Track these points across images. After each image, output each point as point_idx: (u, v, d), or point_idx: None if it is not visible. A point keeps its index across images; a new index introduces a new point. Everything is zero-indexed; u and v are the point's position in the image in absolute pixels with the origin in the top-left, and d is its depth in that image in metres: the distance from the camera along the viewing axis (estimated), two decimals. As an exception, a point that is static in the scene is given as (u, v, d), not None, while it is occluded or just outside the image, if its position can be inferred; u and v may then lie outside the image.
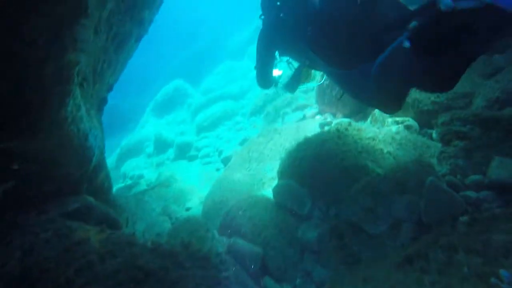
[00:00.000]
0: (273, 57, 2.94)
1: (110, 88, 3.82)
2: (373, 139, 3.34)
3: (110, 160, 10.95)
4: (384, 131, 3.49)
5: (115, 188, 9.19)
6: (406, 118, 3.70)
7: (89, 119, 2.72)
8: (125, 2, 3.31)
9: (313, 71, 3.15)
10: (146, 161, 9.48)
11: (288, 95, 6.46)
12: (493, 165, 2.32)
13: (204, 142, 7.67)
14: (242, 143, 6.30)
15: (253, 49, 3.43)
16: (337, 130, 3.51)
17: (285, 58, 3.07)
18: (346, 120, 4.56)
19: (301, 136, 4.77)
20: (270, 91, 7.29)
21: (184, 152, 7.84)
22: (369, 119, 4.26)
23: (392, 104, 2.23)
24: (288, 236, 2.95)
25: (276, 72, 3.15)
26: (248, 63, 12.72)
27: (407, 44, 1.74)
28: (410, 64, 1.81)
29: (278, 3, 2.65)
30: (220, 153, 6.73)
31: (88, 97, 2.94)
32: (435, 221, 2.19)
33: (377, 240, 2.52)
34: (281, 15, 2.61)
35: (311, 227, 2.95)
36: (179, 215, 5.24)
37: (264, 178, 4.46)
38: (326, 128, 4.86)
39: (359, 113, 4.60)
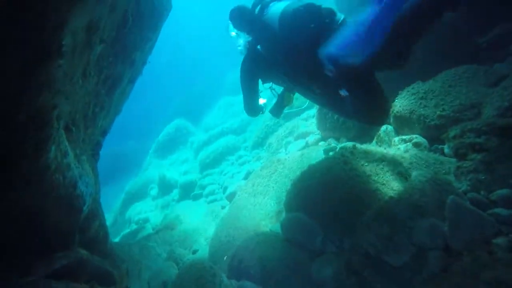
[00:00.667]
0: (257, 86, 3.10)
1: (104, 132, 3.73)
2: (382, 161, 3.14)
3: (115, 206, 10.75)
4: (392, 151, 3.29)
5: (120, 234, 8.93)
6: (414, 136, 3.52)
7: (79, 166, 2.58)
8: (114, 46, 3.29)
9: (294, 94, 3.35)
10: (151, 204, 9.25)
11: (290, 124, 6.35)
12: (520, 177, 2.09)
13: (208, 180, 7.48)
14: (246, 177, 6.10)
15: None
16: (342, 154, 3.33)
17: (268, 85, 3.26)
18: (350, 143, 4.38)
19: (305, 165, 4.58)
20: (271, 122, 7.23)
21: (188, 191, 7.63)
22: (374, 141, 4.08)
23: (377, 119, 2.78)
24: (301, 277, 2.67)
25: (261, 101, 3.35)
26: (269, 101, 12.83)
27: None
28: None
29: (250, 38, 2.95)
30: (225, 189, 6.51)
31: (78, 142, 2.83)
32: (464, 245, 1.93)
33: (400, 273, 2.24)
34: (258, 47, 2.89)
35: (325, 263, 2.68)
36: (185, 258, 4.94)
37: (271, 212, 4.21)
38: (331, 153, 4.68)
39: (364, 136, 4.43)
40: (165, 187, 9.05)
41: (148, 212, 8.82)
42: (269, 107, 3.40)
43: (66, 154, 2.27)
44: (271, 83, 3.22)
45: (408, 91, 3.80)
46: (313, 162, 4.60)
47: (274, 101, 3.32)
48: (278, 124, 7.15)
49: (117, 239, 8.79)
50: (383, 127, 3.98)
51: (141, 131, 16.17)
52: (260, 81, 3.11)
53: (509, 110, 2.94)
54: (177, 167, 10.44)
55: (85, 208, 2.52)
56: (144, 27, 3.63)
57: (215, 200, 6.57)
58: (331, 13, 2.44)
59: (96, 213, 2.82)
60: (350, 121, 4.42)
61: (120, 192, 11.42)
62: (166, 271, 4.45)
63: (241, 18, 2.92)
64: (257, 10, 2.89)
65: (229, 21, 3.07)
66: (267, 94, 3.41)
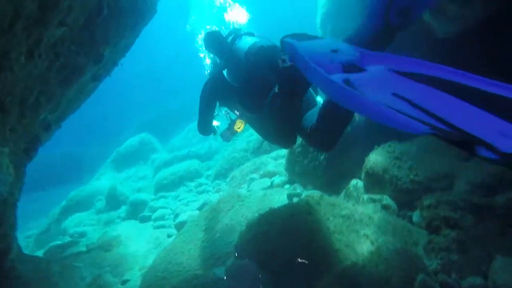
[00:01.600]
0: (214, 108, 3.21)
1: (48, 127, 3.23)
2: (348, 218, 2.87)
3: (53, 212, 9.67)
4: (360, 210, 3.04)
5: (48, 246, 7.89)
6: (384, 196, 3.31)
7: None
8: (80, 34, 2.92)
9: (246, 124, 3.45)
10: (93, 218, 8.36)
11: (258, 161, 6.07)
12: (496, 266, 1.87)
13: (160, 203, 6.88)
14: (201, 207, 5.63)
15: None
16: (308, 203, 3.03)
17: (224, 109, 3.42)
18: (317, 192, 4.12)
19: (266, 206, 4.23)
20: (239, 154, 6.91)
21: (137, 211, 6.97)
22: (342, 194, 3.84)
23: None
24: None
25: (215, 123, 3.49)
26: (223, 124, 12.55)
27: None
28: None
29: (219, 61, 3.19)
30: (176, 216, 5.96)
31: (3, 130, 2.34)
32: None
33: None
34: (224, 72, 3.05)
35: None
36: (111, 290, 4.27)
37: (218, 253, 3.76)
38: (295, 199, 4.38)
39: (331, 186, 4.20)
40: (114, 201, 8.27)
41: (88, 225, 7.93)
42: (221, 130, 3.55)
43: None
44: (226, 108, 3.39)
45: (384, 148, 3.66)
46: (275, 205, 4.27)
47: (226, 125, 3.48)
48: (245, 158, 6.85)
49: (40, 252, 7.77)
50: (353, 182, 3.78)
51: (103, 137, 15.23)
52: (217, 104, 3.25)
53: (482, 188, 2.82)
54: (132, 183, 9.71)
55: (-16, 212, 2.00)
56: (120, 23, 3.31)
57: (162, 227, 5.98)
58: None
59: (1, 221, 2.28)
60: (320, 170, 4.20)
61: (64, 197, 10.37)
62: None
63: (214, 41, 3.04)
64: (229, 39, 3.14)
65: (203, 42, 3.16)
66: (221, 117, 3.57)
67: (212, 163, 8.59)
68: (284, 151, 6.20)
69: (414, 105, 1.13)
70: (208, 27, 3.89)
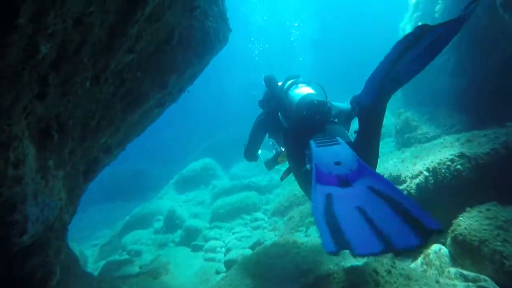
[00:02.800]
0: (262, 138, 3.62)
1: (108, 150, 3.24)
2: (430, 300, 2.23)
3: (118, 226, 10.15)
4: (446, 290, 2.37)
5: (107, 259, 8.19)
6: (482, 277, 2.58)
7: (42, 181, 2.02)
8: (148, 61, 2.90)
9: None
10: (150, 237, 8.52)
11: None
12: None
13: (214, 233, 6.68)
14: (253, 246, 5.25)
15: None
16: (375, 271, 2.47)
17: (271, 140, 3.72)
18: (387, 257, 3.46)
19: (324, 260, 3.70)
20: (300, 192, 6.44)
21: (190, 238, 6.86)
22: (419, 260, 3.14)
23: None
24: None
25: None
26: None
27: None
28: None
29: (273, 103, 3.48)
30: (227, 251, 5.67)
31: (60, 152, 2.32)
32: None
33: None
34: (279, 113, 3.37)
35: None
36: (150, 325, 4.05)
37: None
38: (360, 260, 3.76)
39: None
40: (171, 224, 8.35)
41: (144, 244, 8.08)
42: (264, 159, 3.82)
43: (20, 162, 1.73)
44: (273, 140, 3.68)
45: (480, 212, 2.93)
46: (334, 259, 3.71)
47: (271, 155, 3.72)
48: (306, 198, 6.34)
49: (100, 263, 8.07)
50: (435, 247, 3.08)
51: (170, 157, 15.99)
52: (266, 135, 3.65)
53: None
54: (191, 207, 9.78)
55: (23, 238, 1.90)
56: (189, 51, 3.27)
57: (212, 260, 5.72)
58: (330, 112, 3.06)
59: (43, 247, 2.20)
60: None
61: (128, 211, 10.89)
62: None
63: (272, 85, 3.53)
64: (286, 85, 3.47)
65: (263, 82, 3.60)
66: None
67: (272, 197, 8.24)
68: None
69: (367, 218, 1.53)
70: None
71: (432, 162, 3.38)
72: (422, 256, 3.13)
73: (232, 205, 7.50)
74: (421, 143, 4.75)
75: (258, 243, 5.37)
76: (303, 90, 3.28)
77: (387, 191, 1.69)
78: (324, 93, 3.29)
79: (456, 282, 2.65)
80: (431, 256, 3.06)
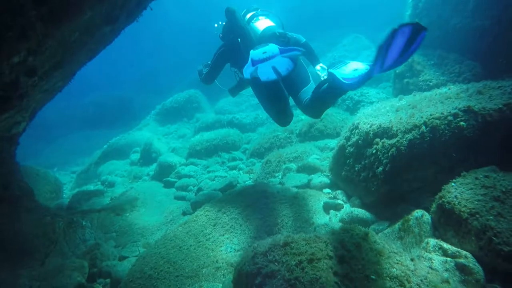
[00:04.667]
0: (221, 68, 4.07)
1: (31, 71, 2.58)
2: (401, 284, 1.86)
3: (96, 154, 9.80)
4: (422, 271, 1.99)
5: (81, 188, 7.96)
6: (463, 252, 2.21)
7: None
8: None
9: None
10: (126, 169, 8.22)
11: (300, 148, 5.08)
12: None
13: (188, 170, 6.32)
14: (224, 189, 4.90)
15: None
16: (341, 242, 2.06)
17: (233, 69, 3.99)
18: (361, 212, 3.09)
19: (293, 213, 3.35)
20: (283, 134, 5.97)
21: (163, 173, 6.52)
22: (397, 225, 2.77)
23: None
24: None
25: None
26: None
27: None
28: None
29: (236, 32, 3.77)
30: (198, 191, 5.35)
31: None
32: None
33: None
34: (239, 40, 3.73)
35: None
36: (103, 264, 3.82)
37: (220, 261, 3.01)
38: (333, 213, 3.41)
39: (384, 208, 3.12)
40: (147, 157, 7.99)
41: (118, 176, 7.80)
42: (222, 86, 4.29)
43: None
44: (236, 69, 3.93)
45: (477, 178, 2.48)
46: (305, 214, 3.36)
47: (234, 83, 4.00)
48: (288, 141, 5.88)
49: (71, 191, 7.87)
50: (417, 212, 2.68)
51: (158, 87, 15.11)
52: (229, 65, 4.00)
53: None
54: (171, 140, 9.36)
55: None
56: None
57: (182, 199, 5.43)
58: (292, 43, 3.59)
59: None
60: (374, 183, 3.12)
61: (108, 139, 10.47)
62: (59, 279, 3.35)
63: (235, 17, 3.75)
64: (246, 18, 3.97)
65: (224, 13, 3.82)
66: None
67: (254, 136, 7.77)
68: (334, 143, 5.13)
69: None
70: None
71: (431, 115, 2.82)
72: (401, 221, 2.75)
73: (210, 142, 7.05)
74: (422, 91, 4.13)
75: (230, 186, 5.02)
76: (264, 23, 3.78)
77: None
78: (282, 26, 3.84)
79: (434, 255, 2.29)
80: (410, 222, 2.68)
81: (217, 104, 11.39)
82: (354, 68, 2.57)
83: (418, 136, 2.81)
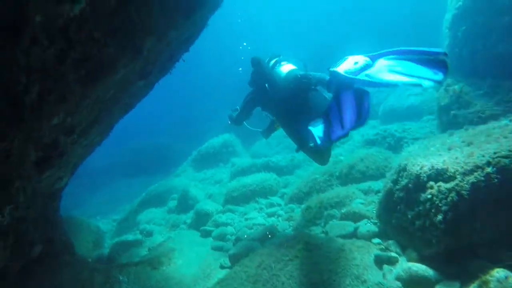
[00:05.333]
0: (251, 112, 4.36)
1: (69, 131, 2.64)
2: None
3: (135, 202, 9.95)
4: None
5: (116, 239, 7.99)
6: None
7: None
8: (111, 20, 2.20)
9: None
10: (164, 217, 8.21)
11: (342, 192, 4.75)
12: None
13: (225, 218, 6.14)
14: (263, 239, 4.63)
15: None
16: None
17: (265, 112, 4.19)
18: (421, 269, 2.68)
19: (341, 269, 2.99)
20: (322, 177, 5.69)
21: (200, 222, 6.39)
22: (474, 285, 2.33)
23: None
24: None
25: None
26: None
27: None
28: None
29: (263, 78, 4.09)
30: (236, 241, 5.10)
31: None
32: None
33: None
34: (267, 85, 4.00)
35: None
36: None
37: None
38: (386, 268, 3.00)
39: (450, 263, 2.68)
40: (184, 204, 7.94)
41: (156, 224, 7.77)
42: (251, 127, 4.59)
43: None
44: (267, 112, 4.17)
45: None
46: (354, 270, 2.99)
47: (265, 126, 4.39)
48: (328, 184, 5.57)
49: (112, 240, 7.89)
50: (498, 273, 2.24)
51: (193, 133, 15.56)
52: (260, 108, 4.22)
53: None
54: (207, 186, 9.33)
55: None
56: (169, 6, 2.50)
57: (220, 249, 5.19)
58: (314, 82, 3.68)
59: None
60: (433, 234, 2.73)
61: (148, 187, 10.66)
62: None
63: (261, 65, 4.12)
64: (271, 63, 4.12)
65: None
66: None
67: (292, 179, 7.51)
68: (378, 185, 4.75)
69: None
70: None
71: (495, 153, 2.47)
72: (477, 282, 2.32)
73: (247, 188, 6.88)
74: (473, 124, 3.75)
75: (268, 234, 4.74)
76: (287, 68, 3.95)
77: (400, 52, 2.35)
78: (304, 66, 3.97)
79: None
80: (491, 285, 2.24)
81: (251, 147, 11.37)
82: (355, 61, 2.56)
83: (483, 178, 2.45)
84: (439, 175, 2.75)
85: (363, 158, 5.41)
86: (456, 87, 5.09)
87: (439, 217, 2.61)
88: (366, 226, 3.67)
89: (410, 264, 2.79)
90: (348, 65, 2.54)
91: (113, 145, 18.11)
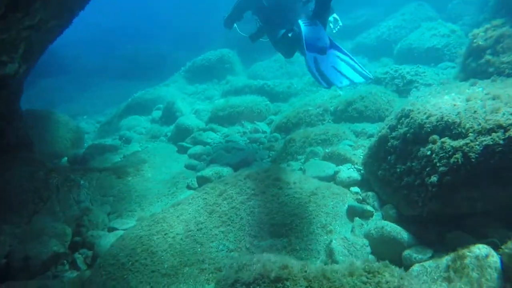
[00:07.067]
0: (241, 14, 4.48)
1: None
2: None
3: (121, 106, 9.49)
4: None
5: (98, 141, 7.73)
6: None
7: None
8: None
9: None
10: (146, 125, 7.84)
11: (333, 129, 4.27)
12: None
13: (206, 136, 5.75)
14: (237, 165, 4.29)
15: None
16: (366, 271, 1.36)
17: (255, 17, 4.27)
18: (395, 230, 2.33)
19: (308, 212, 2.67)
20: (315, 110, 5.16)
21: (180, 137, 6.02)
22: (445, 259, 2.00)
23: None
24: None
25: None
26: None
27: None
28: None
29: None
30: (209, 163, 4.78)
31: None
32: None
33: None
34: None
35: None
36: (88, 233, 3.42)
37: (207, 261, 2.45)
38: (357, 222, 2.67)
39: (430, 230, 2.33)
40: (169, 116, 7.51)
41: (137, 133, 7.43)
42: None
43: None
44: (256, 17, 4.25)
45: None
46: (321, 217, 2.67)
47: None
48: (320, 118, 5.05)
49: (93, 142, 7.62)
50: (480, 250, 1.88)
51: (196, 44, 14.38)
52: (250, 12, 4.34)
53: None
54: (197, 100, 8.80)
55: None
56: None
57: (192, 168, 4.89)
58: None
59: None
60: (420, 195, 2.32)
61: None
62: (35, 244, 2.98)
63: None
64: None
65: None
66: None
67: (284, 107, 6.96)
68: (374, 128, 4.25)
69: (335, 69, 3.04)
70: None
71: (528, 113, 1.91)
72: (452, 254, 1.98)
73: (234, 108, 6.37)
74: (504, 76, 3.11)
75: (245, 162, 4.40)
76: None
77: (346, 56, 3.18)
78: None
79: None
80: (467, 261, 1.90)
81: (251, 67, 10.53)
82: (317, 36, 3.19)
83: (501, 142, 1.93)
84: (448, 129, 2.23)
85: (363, 97, 4.80)
86: (487, 29, 4.24)
87: (433, 178, 2.17)
88: (348, 172, 3.27)
89: (384, 222, 2.45)
90: (311, 35, 3.16)
91: (109, 47, 17.01)
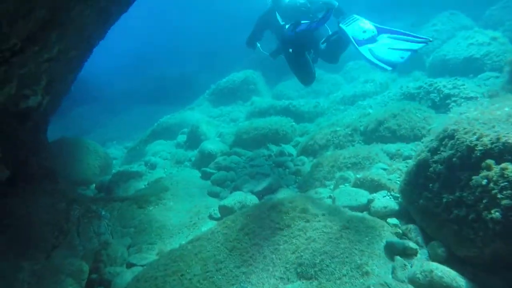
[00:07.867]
0: (262, 32, 4.77)
1: None
2: None
3: (146, 132, 9.59)
4: None
5: (125, 167, 7.78)
6: None
7: None
8: None
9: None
10: (171, 151, 7.80)
11: (364, 152, 3.91)
12: None
13: (229, 161, 5.55)
14: (262, 193, 4.02)
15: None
16: None
17: (274, 36, 4.62)
18: (449, 276, 1.94)
19: (338, 251, 2.34)
20: (344, 131, 4.83)
21: (203, 162, 5.88)
22: None
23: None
24: None
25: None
26: (344, 82, 10.12)
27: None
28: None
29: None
30: (233, 189, 4.55)
31: None
32: None
33: None
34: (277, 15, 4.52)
35: None
36: (107, 269, 3.25)
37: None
38: (398, 261, 2.29)
39: (494, 275, 1.92)
40: (193, 140, 7.44)
41: (162, 158, 7.39)
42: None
43: None
44: (274, 36, 4.60)
45: None
46: (356, 256, 2.32)
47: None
48: (349, 140, 4.71)
49: (126, 167, 7.66)
50: None
51: (223, 65, 14.56)
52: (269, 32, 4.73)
53: None
54: (222, 123, 8.70)
55: None
56: None
57: (216, 195, 4.69)
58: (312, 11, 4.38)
59: None
60: (475, 231, 1.93)
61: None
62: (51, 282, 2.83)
63: None
64: None
65: None
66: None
67: (311, 127, 6.66)
68: (409, 149, 3.85)
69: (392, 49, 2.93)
70: None
71: None
72: None
73: (259, 131, 6.16)
74: None
75: (269, 189, 4.13)
76: None
77: (396, 34, 3.06)
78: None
79: None
80: None
81: (276, 87, 10.39)
82: (363, 29, 3.20)
83: None
84: (508, 152, 1.85)
85: (396, 114, 4.42)
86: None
87: (496, 214, 1.79)
88: (384, 200, 2.90)
89: (433, 265, 2.05)
90: (356, 31, 3.21)
91: (138, 72, 17.66)
